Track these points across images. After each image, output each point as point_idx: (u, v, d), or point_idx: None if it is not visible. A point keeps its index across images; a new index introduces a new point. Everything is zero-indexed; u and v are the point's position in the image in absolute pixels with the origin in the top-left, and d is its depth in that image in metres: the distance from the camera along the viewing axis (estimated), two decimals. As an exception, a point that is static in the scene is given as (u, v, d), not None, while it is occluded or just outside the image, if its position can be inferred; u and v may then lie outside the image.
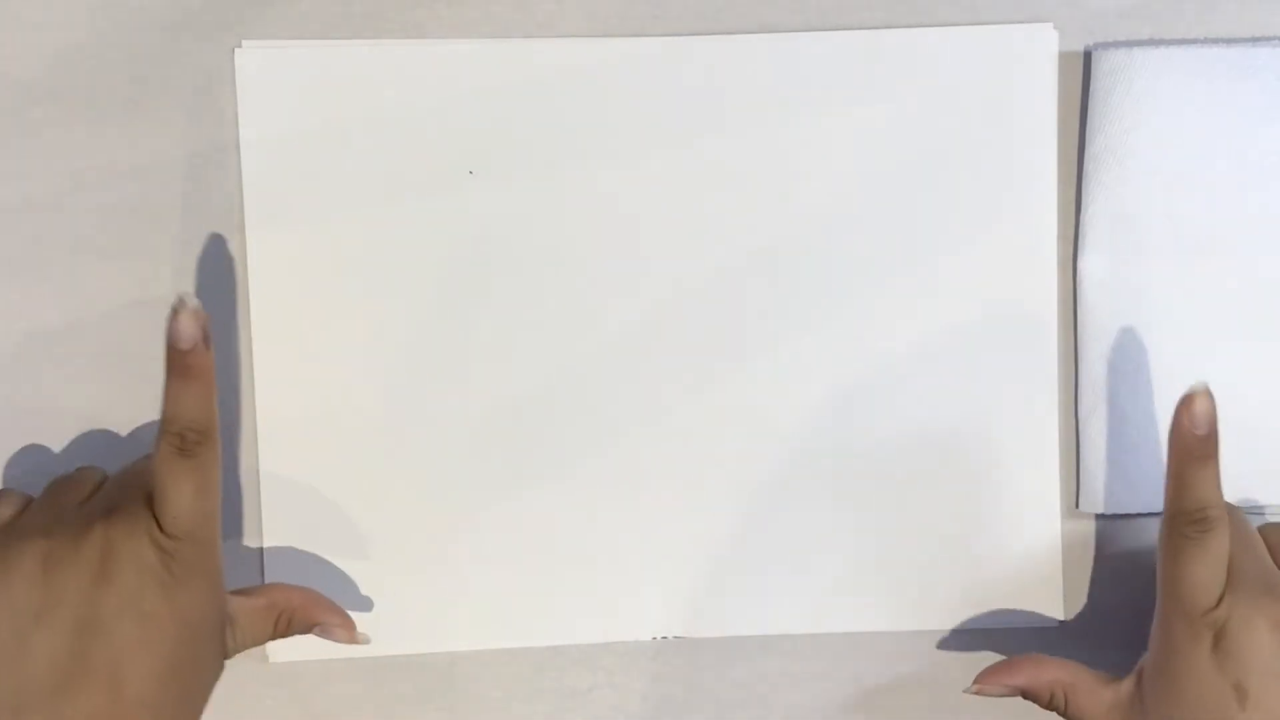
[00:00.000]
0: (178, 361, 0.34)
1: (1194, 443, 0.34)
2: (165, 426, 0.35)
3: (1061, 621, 0.43)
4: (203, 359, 0.34)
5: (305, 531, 0.42)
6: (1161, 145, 0.41)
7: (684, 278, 0.42)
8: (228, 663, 0.43)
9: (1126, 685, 0.37)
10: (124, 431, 0.42)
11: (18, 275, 0.42)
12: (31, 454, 0.42)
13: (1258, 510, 0.43)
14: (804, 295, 0.42)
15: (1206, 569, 0.35)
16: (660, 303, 0.42)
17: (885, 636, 0.43)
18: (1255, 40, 0.42)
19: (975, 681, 0.39)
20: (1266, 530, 0.39)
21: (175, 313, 0.34)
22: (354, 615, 0.42)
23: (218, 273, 0.42)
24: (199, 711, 0.36)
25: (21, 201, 0.42)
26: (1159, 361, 0.42)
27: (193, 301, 0.34)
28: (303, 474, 0.42)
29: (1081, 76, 0.42)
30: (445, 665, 0.43)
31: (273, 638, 0.38)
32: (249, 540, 0.42)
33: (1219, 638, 0.34)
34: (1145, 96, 0.41)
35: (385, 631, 0.42)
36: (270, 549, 0.42)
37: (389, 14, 0.42)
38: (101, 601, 0.33)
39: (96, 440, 0.42)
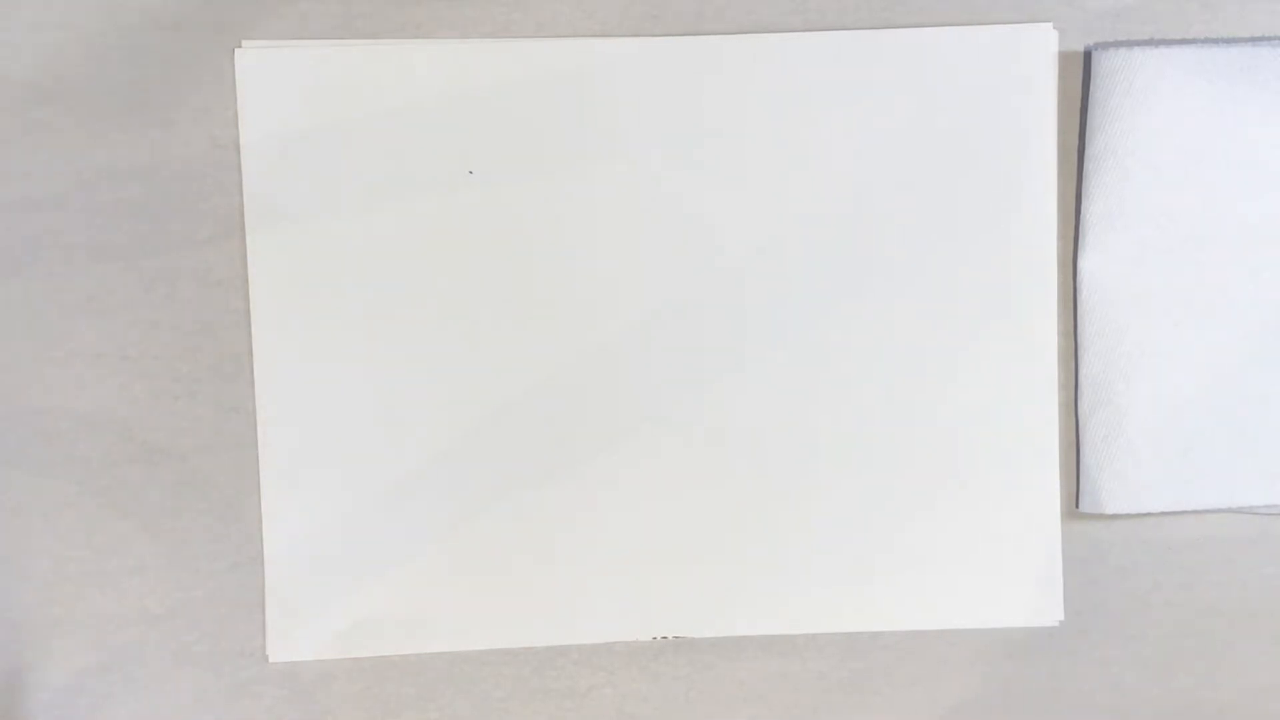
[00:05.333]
0: None
1: None
2: None
3: (1061, 621, 0.43)
4: None
5: (305, 532, 0.42)
6: (1161, 145, 0.41)
7: (684, 277, 0.42)
8: (228, 662, 0.43)
9: None
10: (124, 432, 0.42)
11: (18, 275, 0.42)
12: (32, 454, 0.42)
13: (1258, 511, 0.43)
14: (804, 295, 0.42)
15: None
16: (660, 302, 0.42)
17: (885, 636, 0.43)
18: (1255, 40, 0.42)
19: None
20: None
21: None
22: (354, 615, 0.42)
23: (218, 273, 0.42)
24: None
25: (22, 201, 0.42)
26: (1159, 362, 0.42)
27: None
28: (303, 474, 0.42)
29: (1081, 76, 0.42)
30: (445, 665, 0.43)
31: None
32: (249, 541, 0.42)
33: None
34: (1145, 96, 0.41)
35: (386, 632, 0.42)
36: (270, 550, 0.42)
37: (389, 14, 0.42)
38: None
39: (97, 440, 0.42)
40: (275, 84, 0.42)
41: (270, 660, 0.43)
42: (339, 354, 0.42)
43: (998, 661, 0.43)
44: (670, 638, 0.43)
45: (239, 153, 0.42)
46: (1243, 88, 0.42)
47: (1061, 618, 0.43)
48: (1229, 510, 0.43)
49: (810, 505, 0.43)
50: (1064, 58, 0.42)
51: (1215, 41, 0.42)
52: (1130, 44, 0.42)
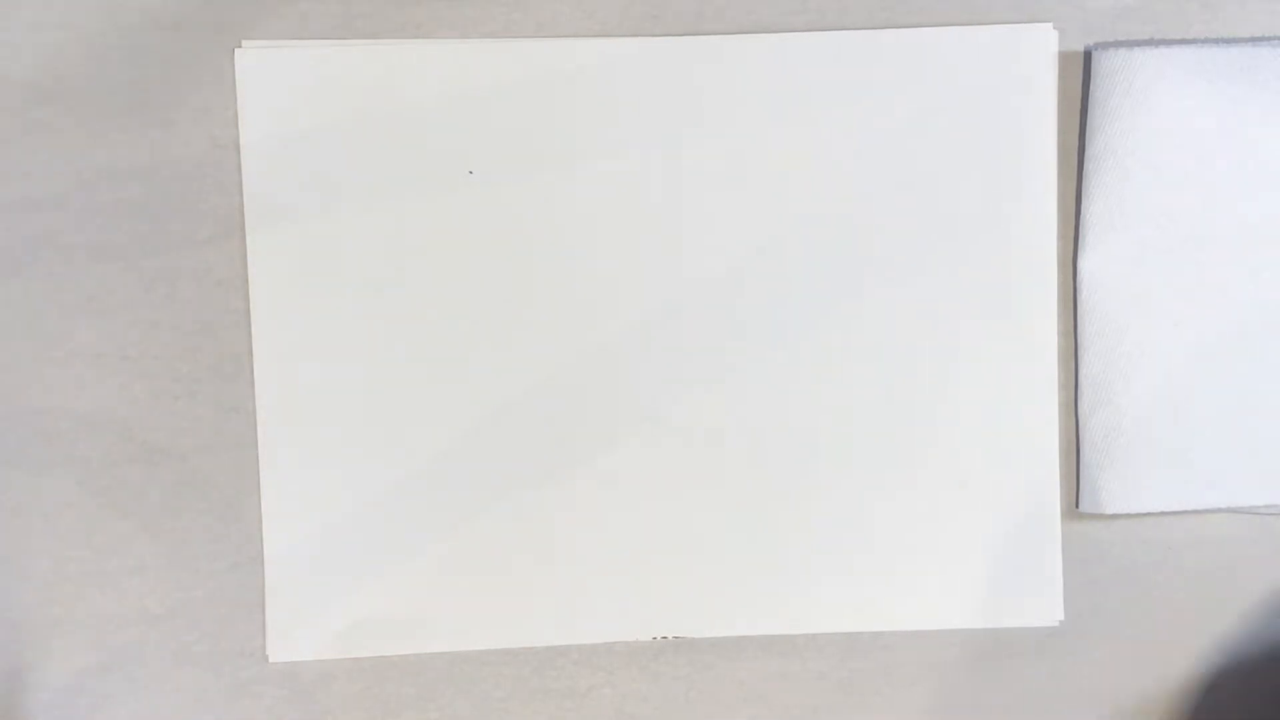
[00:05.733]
0: None
1: None
2: None
3: (1061, 621, 0.43)
4: None
5: (305, 532, 0.42)
6: (1161, 145, 0.41)
7: (684, 277, 0.42)
8: (228, 662, 0.43)
9: None
10: (124, 432, 0.42)
11: (18, 275, 0.42)
12: (32, 454, 0.42)
13: (1258, 511, 0.43)
14: (804, 295, 0.42)
15: None
16: (660, 302, 0.42)
17: (885, 636, 0.43)
18: (1255, 40, 0.42)
19: None
20: None
21: None
22: (354, 615, 0.42)
23: (218, 273, 0.42)
24: None
25: (22, 201, 0.42)
26: (1159, 362, 0.42)
27: None
28: (302, 474, 0.42)
29: (1081, 76, 0.42)
30: (445, 665, 0.43)
31: None
32: (249, 541, 0.42)
33: None
34: (1145, 96, 0.41)
35: (386, 632, 0.42)
36: (270, 550, 0.42)
37: (389, 14, 0.42)
38: None
39: (97, 440, 0.42)
40: (275, 84, 0.42)
41: (270, 660, 0.43)
42: (339, 354, 0.42)
43: (998, 661, 0.43)
44: (670, 638, 0.43)
45: (239, 153, 0.42)
46: (1243, 88, 0.42)
47: (1061, 618, 0.43)
48: (1229, 510, 0.43)
49: (810, 505, 0.43)
50: (1064, 58, 0.42)
51: (1215, 41, 0.42)
52: (1130, 44, 0.42)
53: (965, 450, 0.43)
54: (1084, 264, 0.42)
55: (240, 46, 0.42)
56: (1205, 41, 0.42)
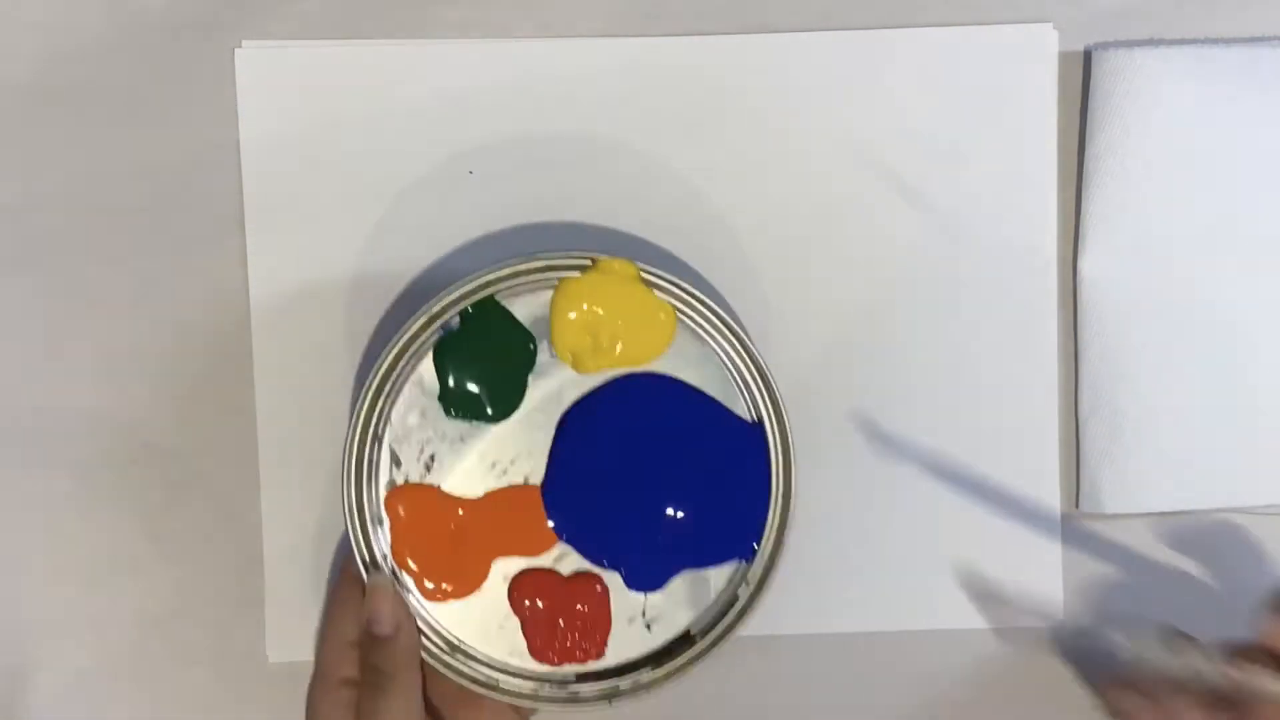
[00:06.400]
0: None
1: None
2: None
3: (1061, 621, 0.43)
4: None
5: (305, 531, 0.42)
6: (1161, 145, 0.41)
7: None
8: (228, 662, 0.43)
9: None
10: (124, 432, 0.42)
11: (18, 275, 0.42)
12: (32, 454, 0.42)
13: (1258, 511, 0.43)
14: (804, 294, 0.42)
15: None
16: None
17: (885, 636, 0.43)
18: (1255, 40, 0.42)
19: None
20: None
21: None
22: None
23: (218, 273, 0.42)
24: None
25: (23, 201, 0.42)
26: (1159, 362, 0.42)
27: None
28: (302, 474, 0.42)
29: (1081, 76, 0.42)
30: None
31: None
32: (249, 542, 0.42)
33: None
34: (1145, 96, 0.41)
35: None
36: (270, 550, 0.42)
37: (389, 14, 0.42)
38: None
39: (97, 440, 0.42)
40: (275, 84, 0.42)
41: (270, 660, 0.43)
42: (339, 354, 0.42)
43: (998, 661, 0.43)
44: (670, 638, 0.43)
45: (239, 153, 0.42)
46: (1243, 88, 0.42)
47: (1061, 618, 0.43)
48: (1229, 510, 0.43)
49: (811, 505, 0.43)
50: (1064, 58, 0.42)
51: (1215, 41, 0.42)
52: (1130, 44, 0.42)
53: (966, 451, 0.43)
54: (1084, 264, 0.42)
55: (240, 46, 0.42)
56: (1205, 41, 0.42)
